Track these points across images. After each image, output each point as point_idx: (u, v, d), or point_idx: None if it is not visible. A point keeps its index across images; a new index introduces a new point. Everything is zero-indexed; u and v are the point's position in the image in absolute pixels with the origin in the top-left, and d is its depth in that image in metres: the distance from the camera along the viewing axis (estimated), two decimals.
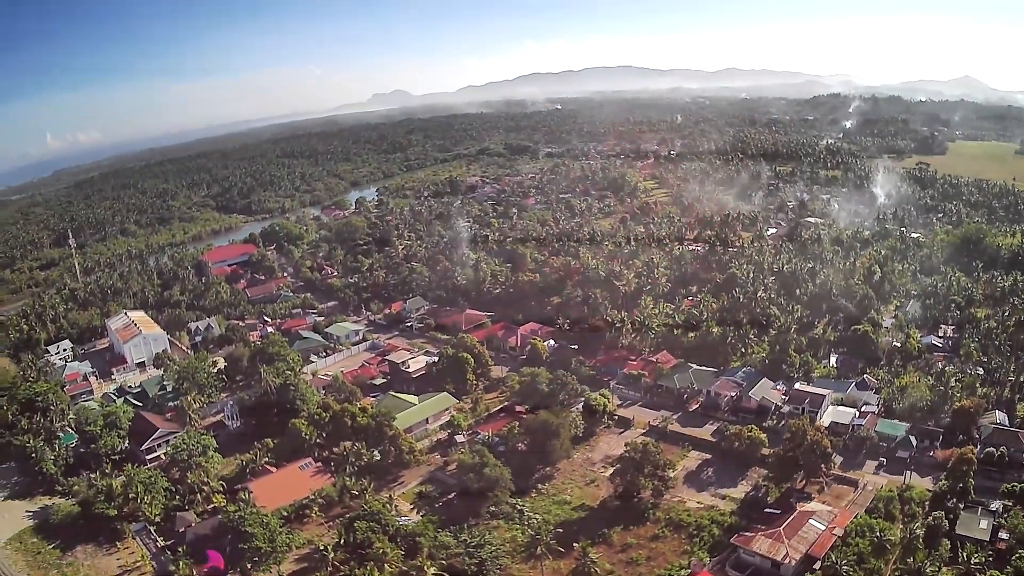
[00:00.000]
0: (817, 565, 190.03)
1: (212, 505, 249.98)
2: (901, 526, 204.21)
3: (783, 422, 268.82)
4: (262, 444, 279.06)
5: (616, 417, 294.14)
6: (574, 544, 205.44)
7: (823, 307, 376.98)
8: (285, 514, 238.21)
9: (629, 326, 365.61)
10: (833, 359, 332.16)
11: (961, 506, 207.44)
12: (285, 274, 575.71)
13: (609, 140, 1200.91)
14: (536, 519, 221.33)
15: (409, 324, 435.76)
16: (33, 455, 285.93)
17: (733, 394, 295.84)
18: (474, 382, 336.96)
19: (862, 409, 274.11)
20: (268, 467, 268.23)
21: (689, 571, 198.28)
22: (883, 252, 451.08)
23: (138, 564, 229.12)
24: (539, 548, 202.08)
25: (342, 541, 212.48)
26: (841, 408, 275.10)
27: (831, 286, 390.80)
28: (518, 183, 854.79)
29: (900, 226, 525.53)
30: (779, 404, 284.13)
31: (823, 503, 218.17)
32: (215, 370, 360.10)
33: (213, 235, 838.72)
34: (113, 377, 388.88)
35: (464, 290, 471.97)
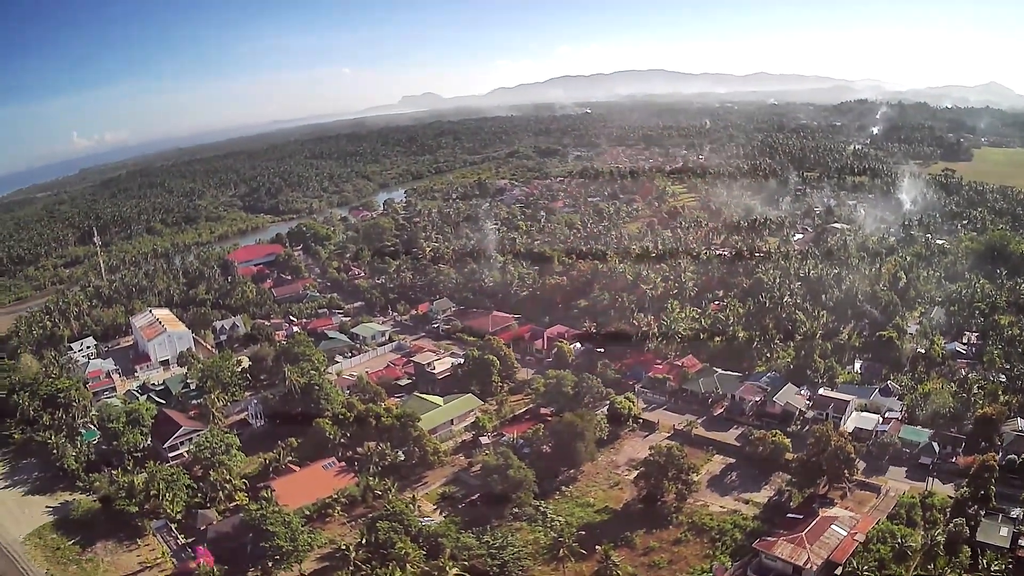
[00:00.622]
0: (839, 571, 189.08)
1: (234, 503, 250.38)
2: (923, 533, 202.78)
3: (807, 427, 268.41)
4: (285, 443, 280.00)
5: (641, 420, 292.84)
6: (596, 547, 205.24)
7: (848, 313, 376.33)
8: (307, 513, 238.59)
9: (655, 330, 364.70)
10: (857, 365, 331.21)
11: (982, 513, 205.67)
12: (312, 274, 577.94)
13: (638, 144, 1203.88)
14: (559, 521, 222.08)
15: (435, 325, 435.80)
16: (54, 451, 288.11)
17: (758, 399, 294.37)
18: (499, 384, 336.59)
19: (885, 415, 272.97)
20: (291, 466, 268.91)
21: (711, 575, 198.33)
22: (908, 258, 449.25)
23: (159, 561, 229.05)
24: (561, 550, 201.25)
25: (364, 541, 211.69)
26: (865, 414, 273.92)
27: (856, 292, 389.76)
28: (547, 186, 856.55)
29: (925, 233, 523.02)
30: (803, 409, 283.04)
31: (845, 509, 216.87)
32: (240, 369, 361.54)
33: (240, 235, 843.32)
34: (136, 375, 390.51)
35: (491, 292, 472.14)
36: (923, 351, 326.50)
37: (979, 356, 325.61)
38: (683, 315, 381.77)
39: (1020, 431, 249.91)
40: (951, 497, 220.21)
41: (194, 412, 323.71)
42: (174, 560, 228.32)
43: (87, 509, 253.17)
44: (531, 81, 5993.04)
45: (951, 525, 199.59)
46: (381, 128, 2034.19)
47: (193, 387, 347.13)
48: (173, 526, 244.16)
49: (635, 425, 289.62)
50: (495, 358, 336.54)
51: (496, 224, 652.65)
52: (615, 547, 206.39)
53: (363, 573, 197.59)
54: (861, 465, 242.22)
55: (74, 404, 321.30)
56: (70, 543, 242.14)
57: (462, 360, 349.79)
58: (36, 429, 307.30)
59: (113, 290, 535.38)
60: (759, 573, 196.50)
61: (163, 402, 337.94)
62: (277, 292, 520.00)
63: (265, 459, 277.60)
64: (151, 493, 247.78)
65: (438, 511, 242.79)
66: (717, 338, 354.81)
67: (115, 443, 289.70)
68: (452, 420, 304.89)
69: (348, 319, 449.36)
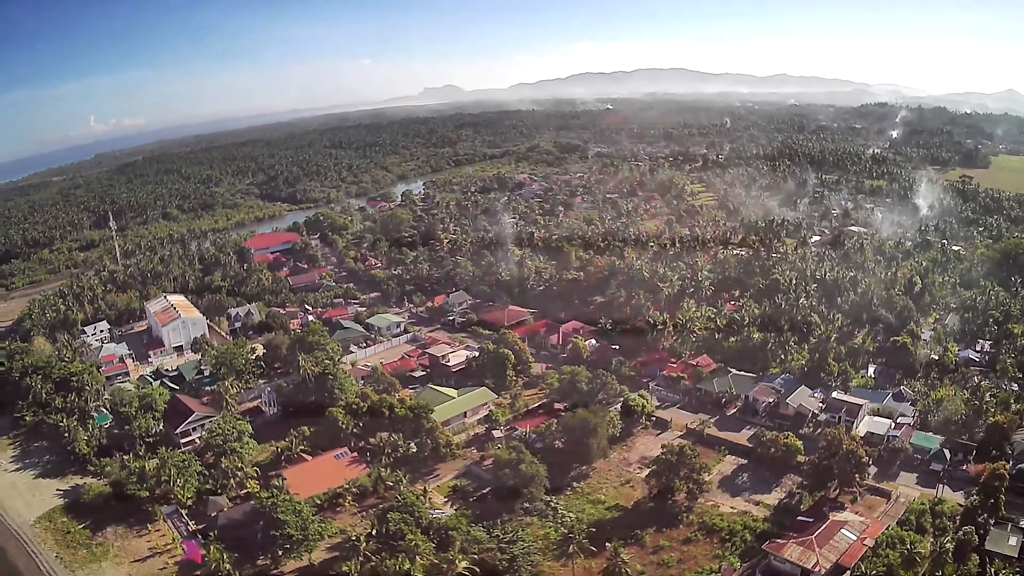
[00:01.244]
0: (847, 575, 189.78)
1: (245, 491, 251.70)
2: (931, 540, 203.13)
3: (819, 430, 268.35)
4: (298, 432, 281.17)
5: (654, 418, 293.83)
6: (606, 544, 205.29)
7: (863, 316, 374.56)
8: (318, 502, 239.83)
9: (670, 328, 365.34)
10: (871, 369, 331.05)
11: (991, 522, 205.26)
12: (328, 264, 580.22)
13: (659, 142, 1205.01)
14: (570, 517, 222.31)
15: (451, 318, 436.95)
16: (66, 434, 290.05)
17: (771, 400, 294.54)
18: (514, 378, 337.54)
19: (898, 420, 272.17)
20: (303, 455, 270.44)
21: (719, 575, 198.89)
22: (924, 264, 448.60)
23: (168, 547, 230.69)
24: (571, 547, 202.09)
25: (374, 532, 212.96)
26: (877, 419, 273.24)
27: (872, 296, 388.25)
28: (566, 182, 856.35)
29: (941, 238, 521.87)
30: (816, 412, 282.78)
31: (856, 513, 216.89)
32: (254, 356, 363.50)
33: (257, 222, 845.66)
34: (150, 360, 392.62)
35: (507, 286, 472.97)
36: (937, 357, 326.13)
37: (992, 364, 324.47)
38: (699, 314, 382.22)
39: None
40: (961, 505, 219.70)
41: (207, 398, 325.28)
42: (184, 546, 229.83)
43: (98, 493, 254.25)
44: (552, 77, 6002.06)
45: (960, 533, 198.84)
46: (401, 119, 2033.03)
47: (207, 373, 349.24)
48: (184, 512, 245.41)
49: (648, 423, 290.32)
50: (510, 352, 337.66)
51: (514, 218, 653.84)
52: (625, 545, 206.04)
53: (372, 564, 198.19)
54: (872, 470, 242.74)
55: (87, 388, 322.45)
56: (80, 527, 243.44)
57: (477, 353, 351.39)
58: (48, 412, 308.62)
59: (128, 275, 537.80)
60: (768, 575, 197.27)
61: (176, 388, 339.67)
62: (293, 281, 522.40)
63: (277, 447, 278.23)
64: (162, 479, 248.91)
65: (449, 504, 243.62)
66: (732, 338, 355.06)
67: (127, 428, 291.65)
68: (465, 413, 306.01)
69: (364, 309, 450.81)
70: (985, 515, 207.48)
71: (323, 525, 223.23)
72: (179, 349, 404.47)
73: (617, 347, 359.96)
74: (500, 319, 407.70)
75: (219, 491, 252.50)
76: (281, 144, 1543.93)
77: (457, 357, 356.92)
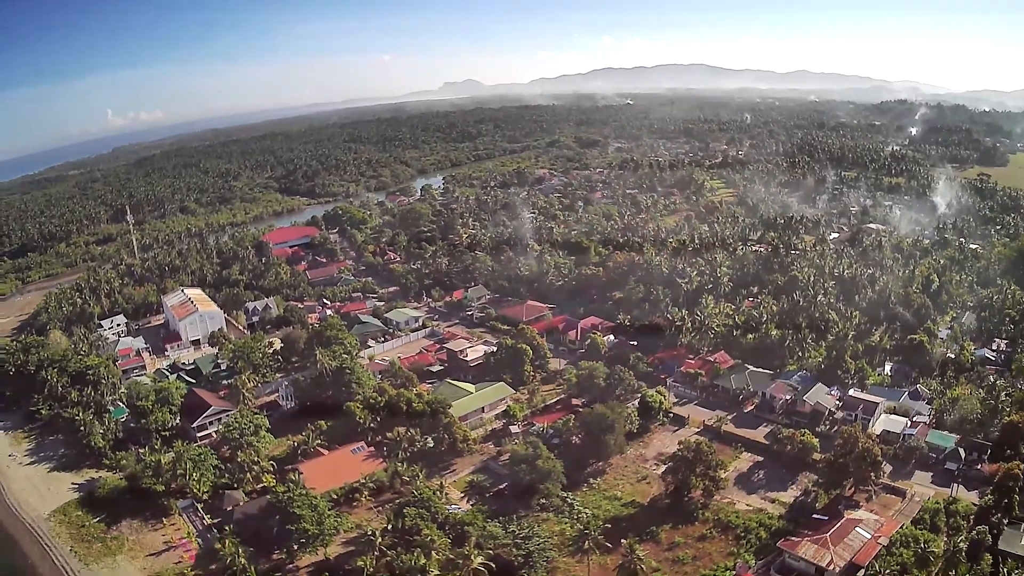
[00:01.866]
0: (861, 573, 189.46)
1: (261, 485, 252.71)
2: (945, 539, 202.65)
3: (836, 428, 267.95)
4: (315, 426, 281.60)
5: (671, 415, 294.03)
6: (622, 540, 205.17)
7: (881, 314, 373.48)
8: (335, 497, 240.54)
9: (689, 325, 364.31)
10: (888, 367, 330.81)
11: (1005, 522, 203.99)
12: (347, 258, 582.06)
13: (679, 137, 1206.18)
14: (586, 514, 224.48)
15: (470, 313, 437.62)
16: (82, 428, 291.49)
17: (788, 397, 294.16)
18: (531, 374, 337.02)
19: (914, 419, 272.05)
20: (320, 449, 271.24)
21: (734, 573, 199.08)
22: (942, 262, 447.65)
23: (184, 541, 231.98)
24: (587, 543, 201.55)
25: (390, 526, 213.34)
26: (893, 417, 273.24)
27: (889, 294, 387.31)
28: (586, 177, 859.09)
29: (959, 237, 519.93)
30: (833, 410, 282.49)
31: (870, 511, 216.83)
32: (271, 350, 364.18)
33: (275, 216, 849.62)
34: (167, 354, 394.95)
35: (526, 281, 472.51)
36: (953, 356, 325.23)
37: (1008, 363, 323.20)
38: (717, 310, 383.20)
39: None
40: (975, 504, 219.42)
41: (224, 392, 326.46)
42: (199, 540, 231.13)
43: (113, 487, 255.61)
44: (573, 72, 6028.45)
45: (974, 532, 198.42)
46: (421, 113, 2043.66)
47: (224, 367, 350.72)
48: (199, 506, 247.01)
49: (665, 419, 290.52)
50: (528, 347, 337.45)
51: (533, 213, 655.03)
52: (640, 541, 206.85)
53: (388, 559, 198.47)
54: (887, 468, 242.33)
55: (103, 381, 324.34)
56: (95, 520, 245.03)
57: (495, 348, 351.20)
58: (64, 406, 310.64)
59: (145, 268, 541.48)
60: (782, 572, 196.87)
61: (193, 382, 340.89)
62: (311, 275, 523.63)
63: (294, 441, 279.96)
64: (178, 472, 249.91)
65: (465, 499, 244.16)
66: (750, 335, 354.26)
67: (143, 421, 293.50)
68: (483, 408, 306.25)
69: (382, 304, 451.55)
70: (999, 515, 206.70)
71: (339, 520, 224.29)
72: (196, 343, 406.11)
73: (635, 343, 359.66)
74: (519, 314, 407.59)
75: (235, 485, 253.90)
76: (300, 138, 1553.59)
77: (475, 352, 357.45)
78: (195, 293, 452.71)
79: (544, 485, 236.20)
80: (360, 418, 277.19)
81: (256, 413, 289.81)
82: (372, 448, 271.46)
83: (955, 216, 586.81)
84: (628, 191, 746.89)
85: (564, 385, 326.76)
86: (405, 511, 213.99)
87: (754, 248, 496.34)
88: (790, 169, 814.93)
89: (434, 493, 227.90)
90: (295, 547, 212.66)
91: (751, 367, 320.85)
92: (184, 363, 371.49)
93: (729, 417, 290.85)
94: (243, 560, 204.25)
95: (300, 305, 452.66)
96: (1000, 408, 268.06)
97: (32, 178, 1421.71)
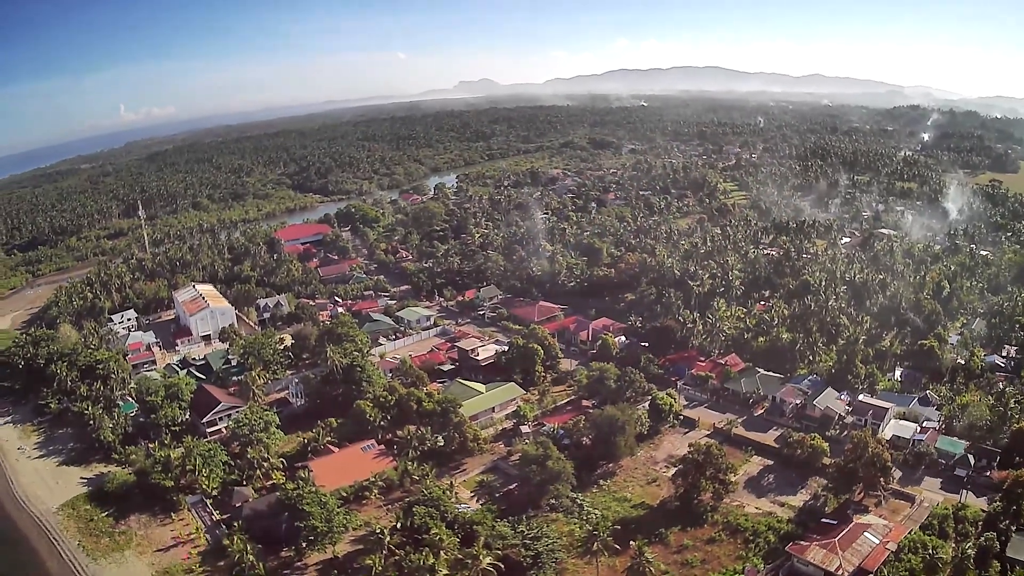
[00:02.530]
0: None
1: (271, 482, 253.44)
2: (953, 545, 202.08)
3: (846, 433, 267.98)
4: (325, 423, 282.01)
5: (682, 417, 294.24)
6: (631, 542, 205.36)
7: (891, 319, 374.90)
8: (344, 495, 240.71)
9: (700, 327, 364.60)
10: (898, 372, 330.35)
11: (1013, 529, 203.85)
12: (359, 256, 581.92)
13: (693, 139, 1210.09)
14: (595, 515, 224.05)
15: (481, 312, 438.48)
16: (91, 422, 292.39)
17: (798, 401, 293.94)
18: (542, 374, 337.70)
19: (923, 425, 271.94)
20: (330, 447, 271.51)
21: None
22: (952, 268, 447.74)
23: (192, 536, 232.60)
24: (596, 544, 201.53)
25: (399, 525, 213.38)
26: (903, 422, 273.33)
27: (900, 299, 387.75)
28: (599, 178, 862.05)
29: (970, 243, 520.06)
30: (843, 414, 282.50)
31: (879, 517, 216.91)
32: (282, 347, 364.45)
33: (287, 213, 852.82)
34: (177, 349, 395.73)
35: (538, 281, 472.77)
36: (963, 362, 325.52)
37: (1018, 370, 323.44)
38: (728, 313, 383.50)
39: None
40: (983, 511, 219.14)
41: (234, 388, 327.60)
42: (208, 536, 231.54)
43: (122, 482, 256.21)
44: (588, 73, 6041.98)
45: (982, 539, 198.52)
46: (436, 112, 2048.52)
47: (234, 363, 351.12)
48: (208, 502, 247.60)
49: (676, 422, 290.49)
50: (539, 347, 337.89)
51: (547, 213, 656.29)
52: (649, 543, 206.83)
53: (397, 557, 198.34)
54: (897, 474, 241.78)
55: (113, 376, 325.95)
56: (104, 515, 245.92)
57: (506, 348, 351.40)
58: (73, 400, 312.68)
59: (156, 263, 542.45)
60: None
61: (203, 377, 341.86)
62: (323, 272, 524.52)
63: (304, 438, 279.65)
64: (187, 468, 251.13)
65: (475, 498, 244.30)
66: (761, 338, 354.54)
67: (153, 416, 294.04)
68: (494, 408, 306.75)
69: (394, 302, 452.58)
70: (1007, 522, 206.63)
71: (348, 517, 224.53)
72: (207, 338, 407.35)
73: (646, 345, 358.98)
74: (530, 314, 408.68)
75: (244, 481, 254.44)
76: (314, 135, 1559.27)
77: (486, 352, 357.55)
78: (206, 289, 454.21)
79: (554, 486, 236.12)
80: (370, 416, 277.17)
81: (266, 409, 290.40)
82: (382, 446, 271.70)
83: (966, 222, 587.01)
84: (641, 192, 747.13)
85: (575, 386, 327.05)
86: (414, 510, 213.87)
87: (766, 251, 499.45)
88: (803, 173, 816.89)
89: (444, 492, 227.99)
90: (304, 544, 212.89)
91: (762, 370, 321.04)
92: (194, 359, 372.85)
93: (740, 420, 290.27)
94: (251, 557, 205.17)
95: (312, 302, 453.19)
96: (1009, 415, 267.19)
97: (43, 171, 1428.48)
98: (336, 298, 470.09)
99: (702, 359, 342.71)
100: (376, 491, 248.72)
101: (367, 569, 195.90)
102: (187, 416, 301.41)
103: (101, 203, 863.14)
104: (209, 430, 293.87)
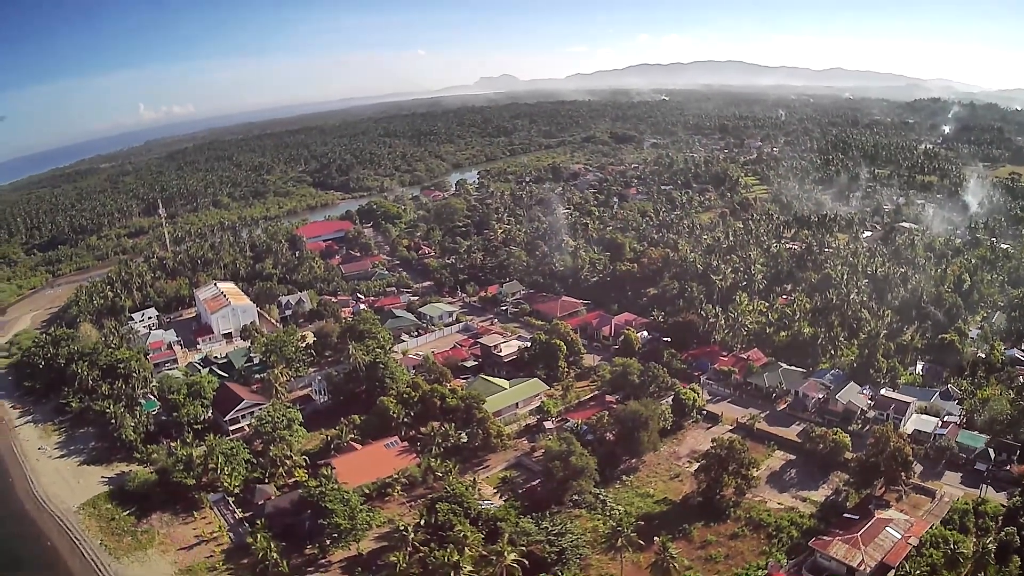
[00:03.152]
0: (891, 574, 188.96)
1: (293, 479, 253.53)
2: (974, 540, 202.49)
3: (867, 427, 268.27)
4: (348, 420, 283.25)
5: (704, 412, 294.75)
6: (654, 538, 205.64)
7: (912, 313, 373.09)
8: (367, 492, 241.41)
9: (722, 322, 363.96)
10: (919, 366, 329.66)
11: None
12: (381, 252, 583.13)
13: (714, 133, 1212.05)
14: (618, 511, 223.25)
15: (504, 308, 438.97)
16: (112, 421, 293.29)
17: (820, 396, 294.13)
18: (565, 369, 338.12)
19: (944, 419, 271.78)
20: (353, 444, 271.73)
21: (766, 572, 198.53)
22: (973, 261, 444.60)
23: (215, 535, 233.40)
24: (619, 540, 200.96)
25: (423, 522, 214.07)
26: (924, 416, 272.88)
27: (921, 293, 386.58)
28: (621, 172, 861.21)
29: (990, 236, 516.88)
30: (864, 409, 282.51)
31: (900, 511, 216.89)
32: (304, 344, 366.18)
33: (309, 210, 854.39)
34: (199, 347, 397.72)
35: (561, 276, 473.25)
36: (983, 356, 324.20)
37: None
38: (751, 307, 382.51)
39: None
40: (1004, 505, 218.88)
41: (256, 386, 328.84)
42: (231, 534, 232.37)
43: (144, 480, 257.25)
44: (609, 68, 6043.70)
45: (1002, 533, 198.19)
46: (457, 108, 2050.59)
47: (256, 361, 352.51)
48: (231, 500, 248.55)
49: (699, 416, 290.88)
50: (562, 343, 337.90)
51: (568, 208, 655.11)
52: (673, 539, 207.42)
53: (421, 554, 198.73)
54: (918, 468, 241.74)
55: (134, 375, 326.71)
56: (125, 514, 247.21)
57: (529, 344, 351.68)
58: (94, 399, 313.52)
59: (177, 262, 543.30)
60: (813, 572, 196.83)
61: (225, 375, 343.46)
62: (345, 269, 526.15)
63: (327, 436, 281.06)
64: (210, 466, 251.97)
65: (498, 495, 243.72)
66: (783, 332, 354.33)
67: (175, 415, 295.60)
68: (517, 404, 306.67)
69: (416, 298, 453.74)
70: None
71: (371, 515, 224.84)
72: (228, 336, 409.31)
73: (669, 339, 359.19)
74: (553, 310, 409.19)
75: (267, 479, 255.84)
76: (334, 132, 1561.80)
77: (509, 347, 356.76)
78: (228, 287, 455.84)
79: (577, 481, 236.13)
80: (393, 413, 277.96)
81: (289, 407, 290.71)
82: (405, 443, 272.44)
83: (987, 215, 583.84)
84: (663, 187, 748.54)
85: (598, 381, 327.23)
86: (438, 506, 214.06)
87: (788, 245, 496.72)
88: (824, 166, 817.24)
89: (467, 489, 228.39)
90: (327, 542, 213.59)
91: (784, 365, 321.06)
92: (216, 357, 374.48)
93: (762, 415, 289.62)
94: (275, 554, 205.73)
95: (334, 299, 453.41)
96: None
97: (62, 171, 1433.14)
98: (358, 295, 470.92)
99: (725, 354, 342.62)
100: (399, 488, 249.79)
101: (391, 566, 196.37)
102: (209, 414, 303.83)
103: (121, 202, 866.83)
104: (231, 428, 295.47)
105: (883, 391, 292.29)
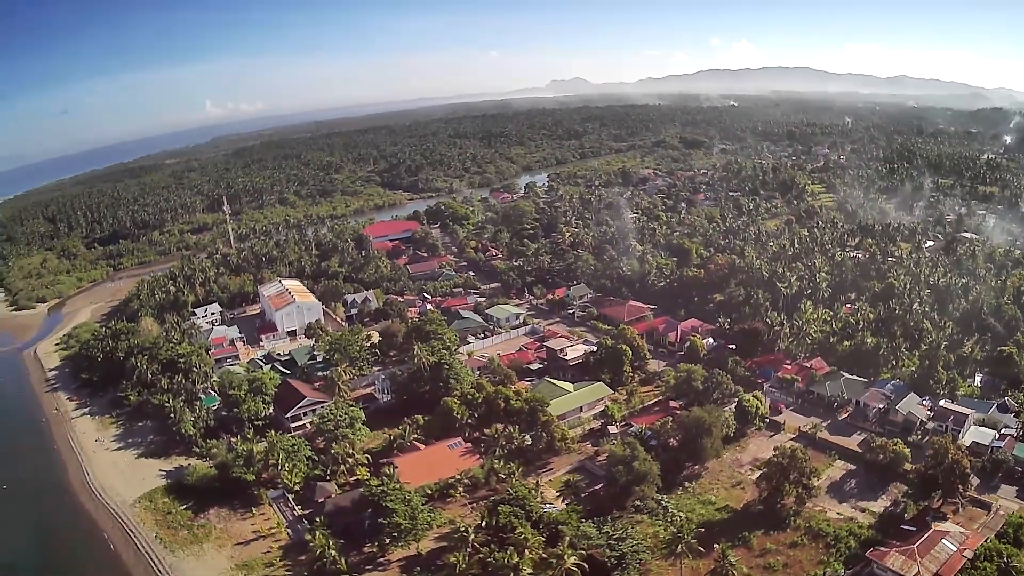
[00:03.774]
0: None
1: (355, 478, 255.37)
2: None
3: (927, 438, 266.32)
4: (412, 420, 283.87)
5: (767, 420, 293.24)
6: (714, 545, 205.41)
7: (972, 325, 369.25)
8: (429, 492, 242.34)
9: (787, 330, 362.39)
10: (978, 378, 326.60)
11: None
12: (448, 253, 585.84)
13: (782, 140, 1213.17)
14: (680, 517, 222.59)
15: (571, 311, 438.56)
16: (171, 415, 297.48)
17: (881, 406, 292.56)
18: (630, 374, 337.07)
19: (1001, 431, 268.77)
20: (416, 443, 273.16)
21: None
22: None
23: (273, 531, 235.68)
24: (680, 546, 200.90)
25: (484, 523, 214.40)
26: (982, 429, 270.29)
27: (982, 304, 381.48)
28: (690, 178, 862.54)
29: None
30: (924, 420, 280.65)
31: (957, 524, 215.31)
32: (369, 343, 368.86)
33: (376, 210, 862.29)
34: (261, 344, 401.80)
35: (628, 281, 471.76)
36: None
37: None
38: (815, 316, 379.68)
39: None
40: None
41: (319, 384, 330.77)
42: (289, 531, 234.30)
43: (202, 475, 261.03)
44: (680, 72, 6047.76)
45: None
46: (528, 110, 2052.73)
47: (319, 359, 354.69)
48: (290, 497, 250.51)
49: (761, 424, 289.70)
50: (628, 348, 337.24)
51: (637, 213, 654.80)
52: (732, 547, 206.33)
53: (481, 556, 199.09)
54: (975, 481, 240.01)
55: (194, 370, 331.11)
56: (182, 508, 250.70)
57: (595, 348, 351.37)
58: (153, 393, 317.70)
59: (242, 258, 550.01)
60: None
61: (288, 372, 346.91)
62: (412, 269, 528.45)
63: (390, 435, 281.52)
64: (270, 463, 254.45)
65: (560, 498, 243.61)
66: (846, 342, 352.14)
67: (235, 410, 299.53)
68: (581, 407, 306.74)
69: (483, 300, 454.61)
70: None
71: (432, 515, 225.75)
72: (292, 334, 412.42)
73: (733, 347, 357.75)
74: (620, 314, 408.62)
75: (328, 477, 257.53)
76: (405, 132, 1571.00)
77: (575, 351, 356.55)
78: (293, 284, 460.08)
79: (640, 487, 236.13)
80: (457, 414, 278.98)
81: (352, 405, 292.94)
82: (469, 444, 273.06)
83: None
84: (731, 193, 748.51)
85: (662, 387, 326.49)
86: (499, 508, 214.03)
87: (852, 254, 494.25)
88: (889, 175, 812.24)
89: (529, 492, 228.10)
90: (386, 541, 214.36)
91: (846, 374, 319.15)
92: (279, 354, 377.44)
93: (824, 424, 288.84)
94: (334, 552, 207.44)
95: (400, 299, 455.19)
96: None
97: (125, 166, 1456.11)
98: (425, 295, 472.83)
99: (788, 362, 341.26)
100: (461, 489, 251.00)
101: (451, 566, 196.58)
102: (271, 411, 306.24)
103: (185, 198, 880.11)
104: (293, 425, 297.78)
105: (942, 402, 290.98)
